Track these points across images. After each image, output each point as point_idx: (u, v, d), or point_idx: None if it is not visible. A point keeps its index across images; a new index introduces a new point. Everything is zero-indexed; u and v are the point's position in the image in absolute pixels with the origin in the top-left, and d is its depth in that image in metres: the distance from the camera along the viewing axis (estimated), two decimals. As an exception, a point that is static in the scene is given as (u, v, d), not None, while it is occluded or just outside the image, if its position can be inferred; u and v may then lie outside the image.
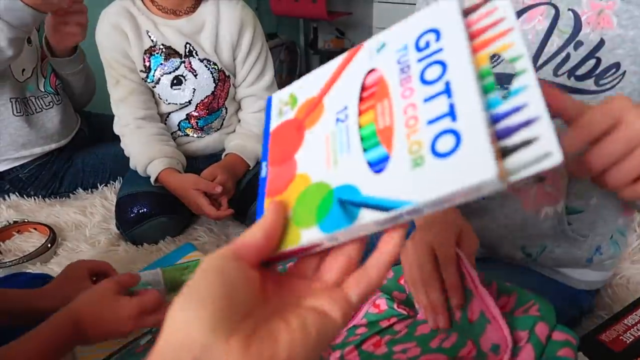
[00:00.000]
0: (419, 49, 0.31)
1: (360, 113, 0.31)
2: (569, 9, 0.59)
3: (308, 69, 3.46)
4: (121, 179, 1.20)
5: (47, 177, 1.18)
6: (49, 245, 0.96)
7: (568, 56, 0.60)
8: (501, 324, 0.47)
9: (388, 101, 0.30)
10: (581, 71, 0.60)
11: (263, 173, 0.35)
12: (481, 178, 0.24)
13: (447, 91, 0.28)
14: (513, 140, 0.26)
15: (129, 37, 1.00)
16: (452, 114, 0.27)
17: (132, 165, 1.06)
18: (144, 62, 1.03)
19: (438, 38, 0.30)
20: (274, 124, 0.37)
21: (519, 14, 0.62)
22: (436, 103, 0.28)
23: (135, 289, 0.68)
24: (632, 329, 0.69)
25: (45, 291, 0.69)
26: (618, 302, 0.80)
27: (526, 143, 0.25)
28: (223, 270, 0.27)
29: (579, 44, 0.59)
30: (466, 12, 0.31)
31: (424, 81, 0.29)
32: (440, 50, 0.30)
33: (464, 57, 0.28)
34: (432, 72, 0.29)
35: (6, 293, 0.67)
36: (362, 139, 0.30)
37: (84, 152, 1.25)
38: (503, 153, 0.25)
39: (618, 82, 0.58)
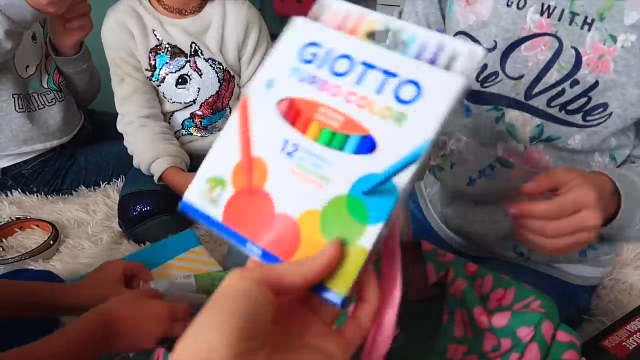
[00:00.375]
0: (309, 62, 0.35)
1: (304, 133, 0.34)
2: (572, 47, 0.61)
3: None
4: (124, 177, 1.20)
5: (50, 174, 1.18)
6: (52, 242, 0.96)
7: (563, 91, 0.63)
8: None
9: (324, 107, 0.34)
10: (572, 107, 0.63)
11: (258, 252, 0.33)
12: (461, 86, 0.31)
13: (369, 66, 0.33)
14: (442, 63, 0.32)
15: (135, 36, 1.01)
16: (390, 75, 0.33)
17: (135, 163, 1.06)
18: (150, 61, 1.03)
19: (320, 45, 0.35)
20: (217, 215, 0.34)
21: (524, 40, 0.63)
22: (369, 78, 0.33)
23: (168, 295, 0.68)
24: (634, 335, 0.69)
25: (72, 289, 0.67)
26: (620, 308, 0.80)
27: (452, 59, 0.32)
28: (249, 296, 0.26)
29: (576, 83, 0.62)
30: (314, 19, 0.36)
31: (339, 75, 0.34)
32: (331, 50, 0.35)
33: (355, 42, 0.34)
34: (341, 66, 0.34)
35: (22, 286, 0.65)
36: (327, 145, 0.33)
37: (87, 149, 1.25)
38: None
39: (604, 121, 0.63)
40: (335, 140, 0.33)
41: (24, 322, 0.64)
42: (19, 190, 1.16)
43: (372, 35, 0.35)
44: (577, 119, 0.63)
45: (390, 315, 0.34)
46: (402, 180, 0.31)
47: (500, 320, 0.49)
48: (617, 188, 0.57)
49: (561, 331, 0.51)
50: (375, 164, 0.31)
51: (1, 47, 0.95)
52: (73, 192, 1.20)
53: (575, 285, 0.76)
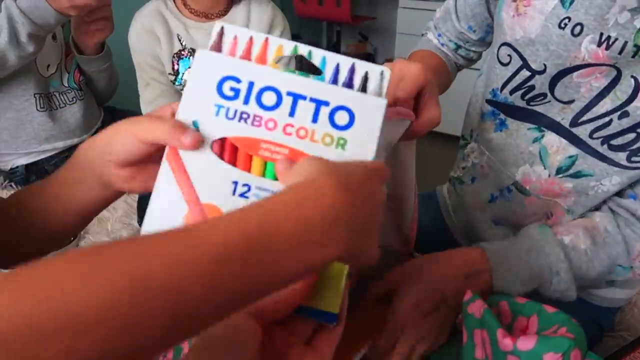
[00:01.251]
0: (232, 98, 0.35)
1: (249, 171, 0.34)
2: (632, 76, 0.55)
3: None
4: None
5: None
6: (72, 237, 0.98)
7: (609, 122, 0.58)
8: None
9: (265, 143, 0.34)
10: (617, 141, 0.58)
11: None
12: (385, 107, 0.35)
13: (297, 96, 0.35)
14: (357, 84, 0.36)
15: (161, 41, 1.02)
16: (320, 103, 0.35)
17: None
18: (173, 65, 1.04)
19: (238, 80, 0.35)
20: None
21: (576, 68, 0.58)
22: (301, 109, 0.35)
23: None
24: (657, 352, 0.67)
25: None
26: (643, 323, 0.78)
27: (365, 79, 0.36)
28: (237, 325, 0.29)
29: (625, 115, 0.56)
30: (217, 50, 0.36)
31: (269, 108, 0.34)
32: (252, 83, 0.35)
33: (274, 72, 0.35)
34: (269, 99, 0.35)
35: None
36: (275, 179, 0.34)
37: None
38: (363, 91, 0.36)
39: None
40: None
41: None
42: (42, 185, 1.18)
43: (279, 60, 0.36)
44: (621, 157, 0.58)
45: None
46: None
47: (526, 343, 0.48)
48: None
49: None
50: None
51: (24, 50, 0.97)
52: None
53: (602, 307, 0.73)
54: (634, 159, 0.58)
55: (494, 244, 0.61)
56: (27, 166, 1.16)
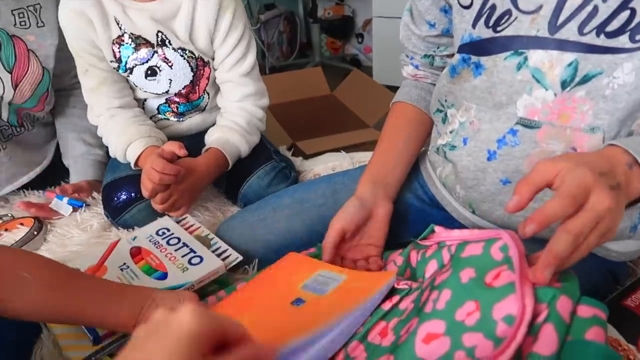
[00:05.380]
0: (160, 234, 0.83)
1: (136, 263, 0.76)
2: None
3: (308, 39, 3.35)
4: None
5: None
6: (35, 233, 0.94)
7: (596, 9, 0.52)
8: (527, 302, 0.41)
9: (154, 256, 0.77)
10: (612, 26, 0.52)
11: None
12: (220, 265, 0.75)
13: (184, 244, 0.80)
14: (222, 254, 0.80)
15: (95, 25, 0.90)
16: (192, 250, 0.78)
17: (111, 153, 1.01)
18: (114, 53, 0.94)
19: (169, 230, 0.84)
20: None
21: None
22: (181, 250, 0.78)
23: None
24: (658, 293, 0.62)
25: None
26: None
27: (224, 251, 0.80)
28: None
29: None
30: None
31: (169, 244, 0.80)
32: (172, 233, 0.83)
33: (185, 234, 0.83)
34: (173, 241, 0.81)
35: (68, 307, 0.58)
36: (143, 271, 0.74)
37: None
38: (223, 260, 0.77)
39: None
40: (150, 270, 0.74)
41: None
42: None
43: (197, 237, 0.82)
44: (623, 41, 0.52)
45: None
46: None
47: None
48: (635, 159, 0.47)
49: (583, 305, 0.43)
50: (166, 283, 0.72)
51: None
52: (62, 182, 1.18)
53: (618, 262, 0.69)
54: (637, 37, 0.52)
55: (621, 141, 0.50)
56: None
